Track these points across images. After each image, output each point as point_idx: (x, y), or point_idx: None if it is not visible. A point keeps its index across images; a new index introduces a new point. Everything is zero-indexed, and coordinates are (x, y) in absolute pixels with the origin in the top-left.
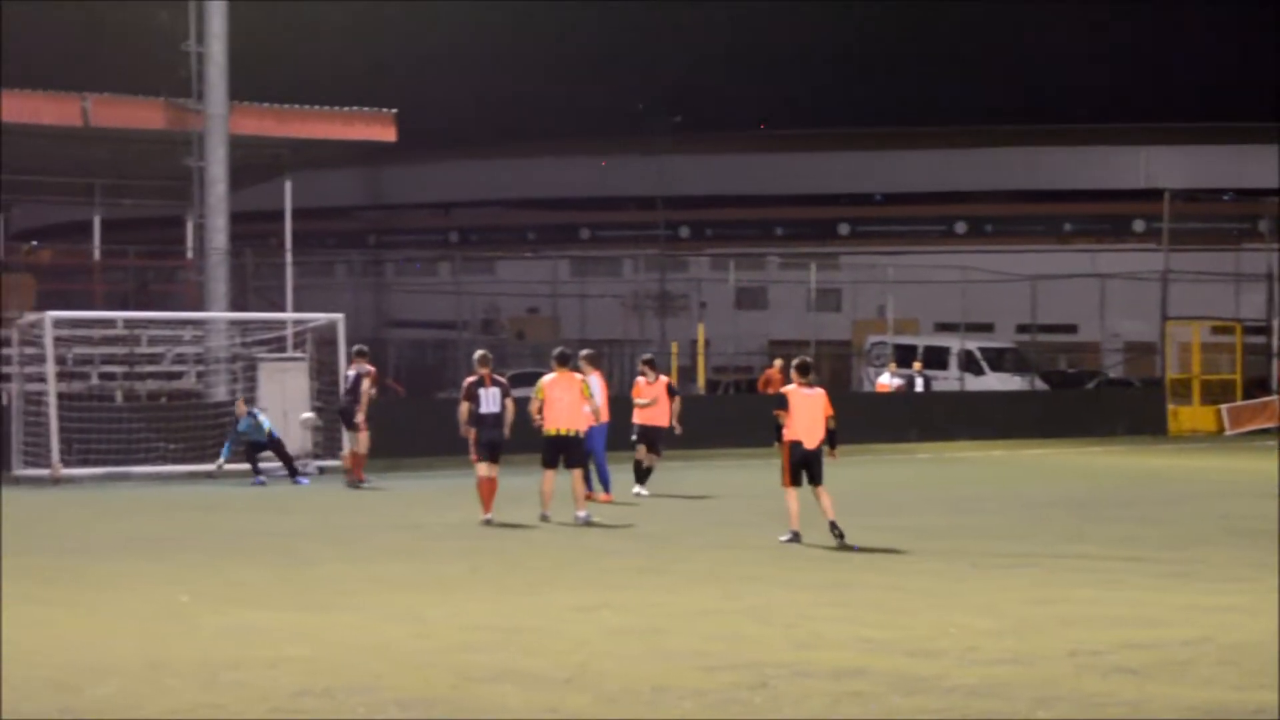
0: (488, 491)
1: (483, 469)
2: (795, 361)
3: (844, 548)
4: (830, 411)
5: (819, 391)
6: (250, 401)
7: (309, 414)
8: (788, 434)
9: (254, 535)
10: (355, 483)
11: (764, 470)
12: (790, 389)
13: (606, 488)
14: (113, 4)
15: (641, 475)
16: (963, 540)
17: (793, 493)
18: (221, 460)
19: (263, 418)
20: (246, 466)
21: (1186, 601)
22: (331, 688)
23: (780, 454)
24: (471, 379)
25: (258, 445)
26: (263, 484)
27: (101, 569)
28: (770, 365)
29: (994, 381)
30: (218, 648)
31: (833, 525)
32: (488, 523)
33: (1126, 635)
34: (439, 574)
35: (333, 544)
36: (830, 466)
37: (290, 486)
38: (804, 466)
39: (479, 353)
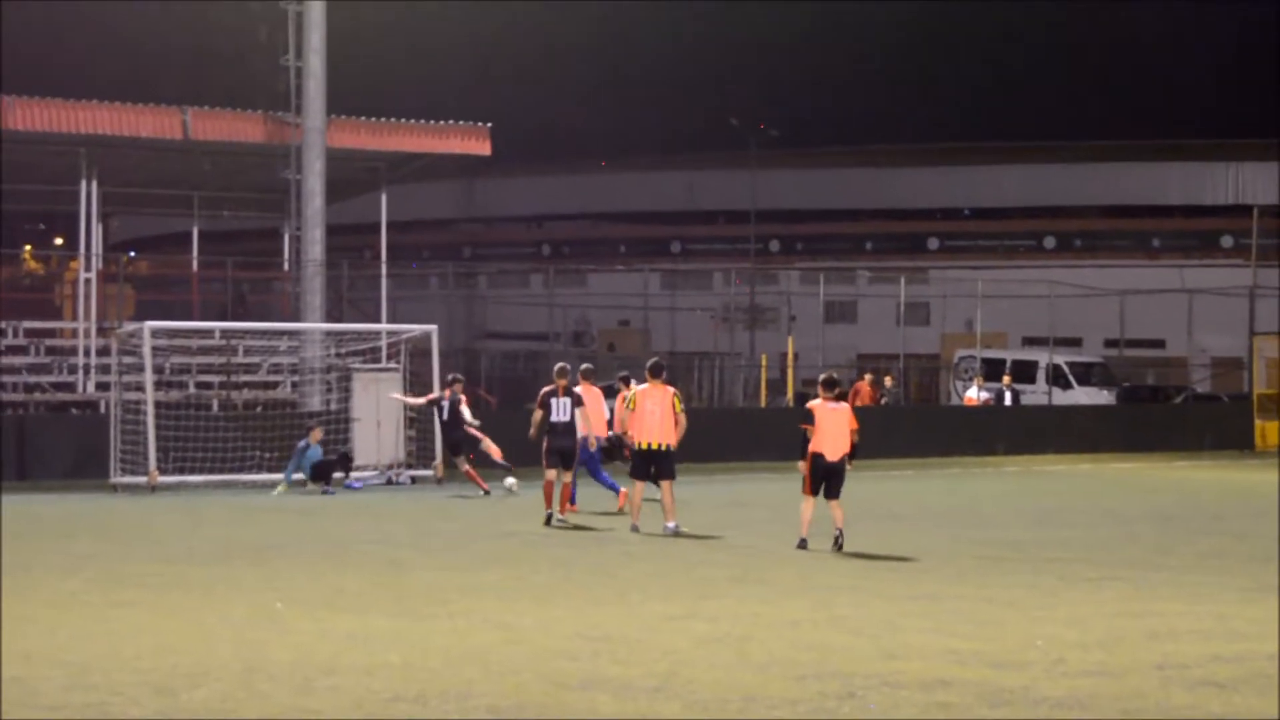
0: (550, 492)
1: (551, 475)
2: (822, 377)
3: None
4: (855, 426)
5: (844, 406)
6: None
7: (513, 480)
8: (811, 446)
9: (349, 542)
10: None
11: (852, 482)
12: (816, 403)
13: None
14: (213, 19)
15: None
16: (1051, 553)
17: (809, 502)
18: (283, 486)
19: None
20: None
21: (1274, 615)
22: (425, 694)
23: (802, 466)
24: (547, 388)
25: (328, 465)
26: (332, 494)
27: (199, 575)
28: (860, 379)
29: (1081, 396)
30: (313, 653)
31: (838, 537)
32: (549, 519)
33: (1214, 648)
34: (531, 582)
35: (427, 552)
36: (921, 479)
37: (363, 494)
38: (825, 478)
39: (558, 365)
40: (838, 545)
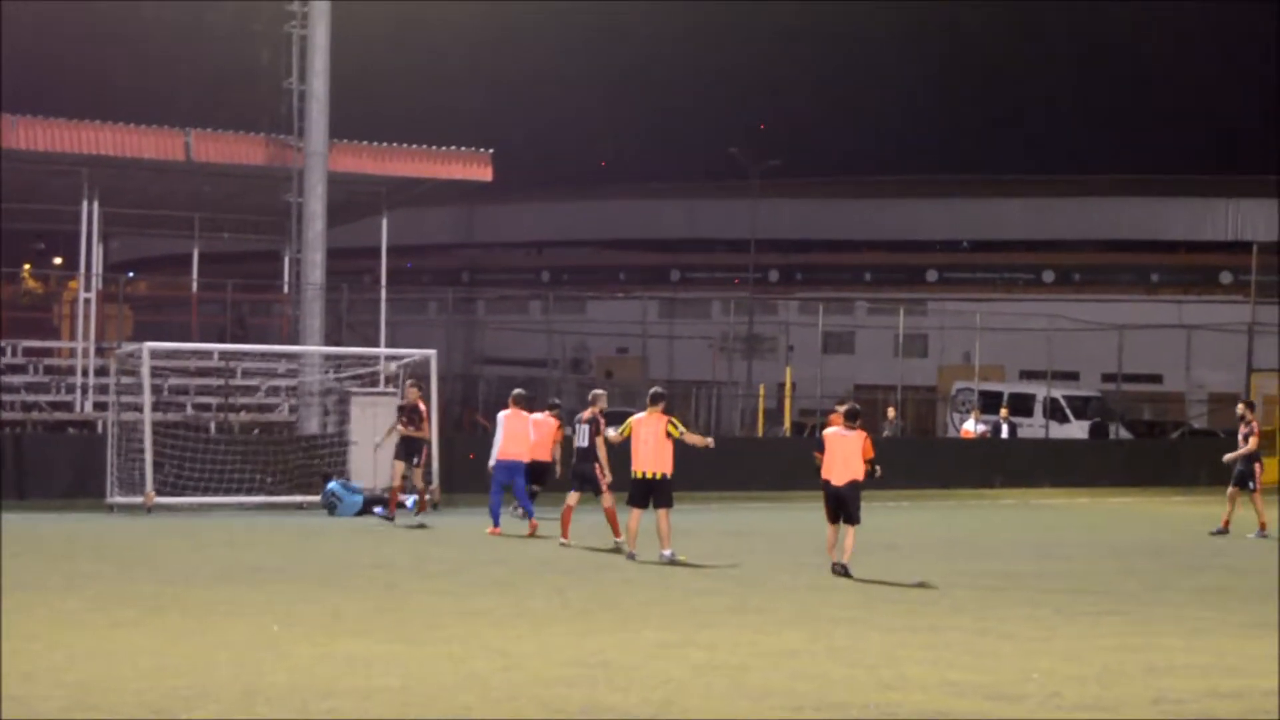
0: (566, 517)
1: (571, 498)
2: (845, 408)
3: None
4: (870, 454)
5: (857, 434)
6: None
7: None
8: (822, 473)
9: (349, 566)
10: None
11: None
12: (829, 431)
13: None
14: (216, 42)
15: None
16: (1048, 586)
17: (831, 529)
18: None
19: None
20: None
21: (1271, 651)
22: (422, 718)
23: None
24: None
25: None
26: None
27: (199, 597)
28: (834, 411)
29: (1078, 429)
30: (311, 676)
31: (838, 566)
32: (563, 545)
33: (1211, 684)
34: (529, 608)
35: (426, 577)
36: (918, 510)
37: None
38: (835, 504)
39: (591, 392)
40: (840, 570)
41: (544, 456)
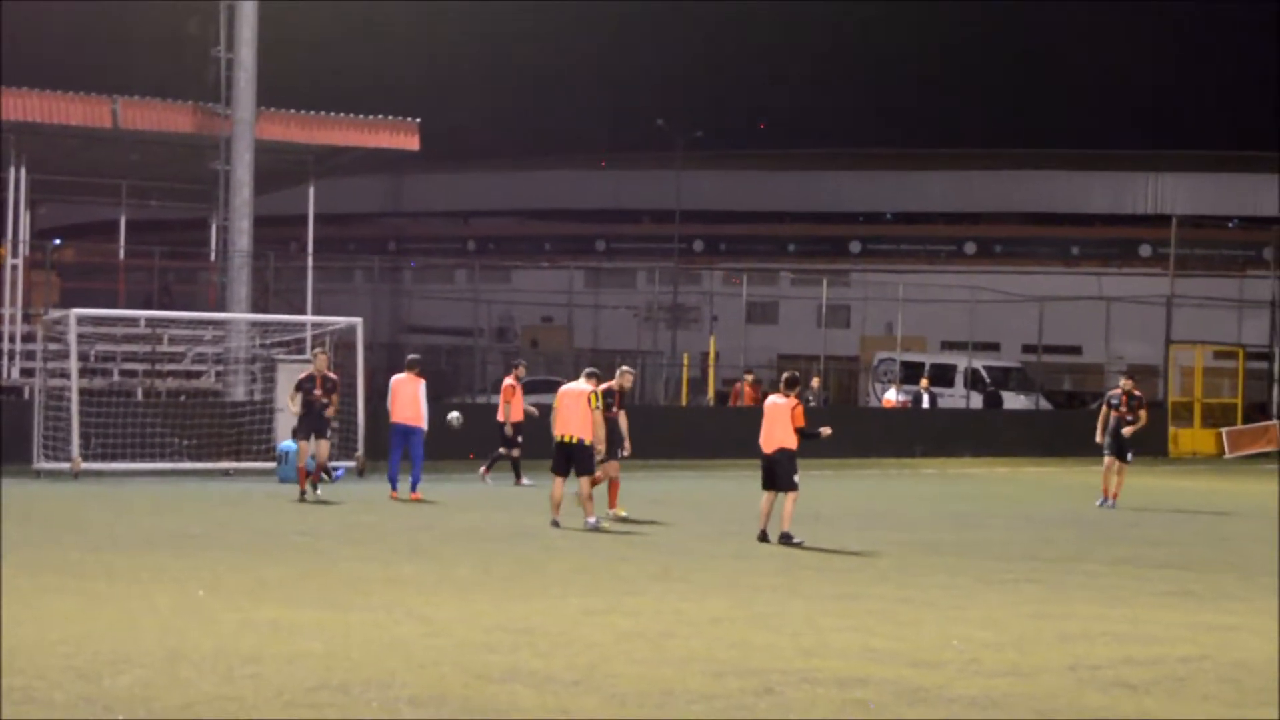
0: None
1: (610, 469)
2: (785, 375)
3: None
4: (800, 423)
5: (788, 401)
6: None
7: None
8: (759, 440)
9: (274, 533)
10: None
11: None
12: (769, 401)
13: (414, 486)
14: (144, 10)
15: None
16: (968, 555)
17: (765, 497)
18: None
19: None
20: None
21: (1186, 620)
22: (346, 684)
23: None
24: None
25: None
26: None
27: (125, 563)
28: (741, 380)
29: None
30: (236, 642)
31: (784, 536)
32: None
33: (1126, 651)
34: (454, 575)
35: (351, 544)
36: (840, 480)
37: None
38: (765, 471)
39: (622, 368)
40: (781, 539)
41: (499, 417)
